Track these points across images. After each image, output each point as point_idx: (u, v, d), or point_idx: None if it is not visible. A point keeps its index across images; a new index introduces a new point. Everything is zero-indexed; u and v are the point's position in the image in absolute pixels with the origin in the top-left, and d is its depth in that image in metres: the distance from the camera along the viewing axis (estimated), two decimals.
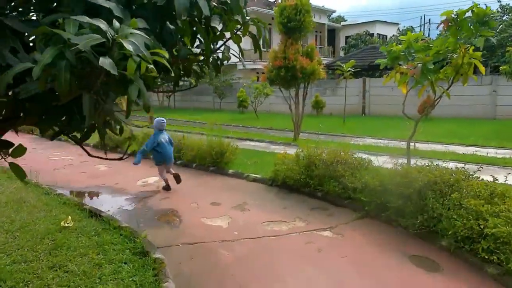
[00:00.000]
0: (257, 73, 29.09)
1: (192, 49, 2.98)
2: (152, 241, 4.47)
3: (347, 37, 38.54)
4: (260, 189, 7.02)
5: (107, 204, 6.24)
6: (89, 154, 2.81)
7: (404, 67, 5.36)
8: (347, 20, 48.01)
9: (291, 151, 7.71)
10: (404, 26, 41.21)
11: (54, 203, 5.98)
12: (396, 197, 4.79)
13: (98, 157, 2.89)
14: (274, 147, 12.20)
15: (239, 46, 3.08)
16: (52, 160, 9.90)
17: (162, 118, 7.01)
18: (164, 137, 6.90)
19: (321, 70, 12.54)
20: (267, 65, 13.21)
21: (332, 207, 5.84)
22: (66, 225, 5.03)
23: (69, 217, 5.20)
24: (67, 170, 8.84)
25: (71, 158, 10.26)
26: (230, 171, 8.04)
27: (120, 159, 2.90)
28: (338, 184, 5.86)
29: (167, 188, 6.96)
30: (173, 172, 6.97)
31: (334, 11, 36.89)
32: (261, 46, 3.06)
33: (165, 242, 4.62)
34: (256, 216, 5.50)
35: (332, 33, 38.18)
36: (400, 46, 5.25)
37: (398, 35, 36.28)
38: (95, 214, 5.46)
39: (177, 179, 6.91)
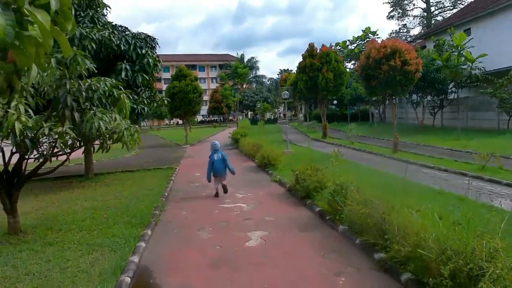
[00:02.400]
0: None
1: None
2: None
3: None
4: None
5: None
6: None
7: None
8: None
9: None
10: None
11: None
12: None
13: None
14: None
15: None
16: (218, 209, 7.42)
17: (216, 142, 8.93)
18: (218, 155, 8.59)
19: None
20: None
21: None
22: None
23: None
24: (210, 234, 5.97)
25: (242, 206, 7.51)
26: None
27: None
28: None
29: (216, 195, 8.54)
30: (224, 183, 8.61)
31: None
32: None
33: None
34: None
35: None
36: None
37: None
38: None
39: (224, 189, 8.61)
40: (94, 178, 11.73)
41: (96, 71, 9.74)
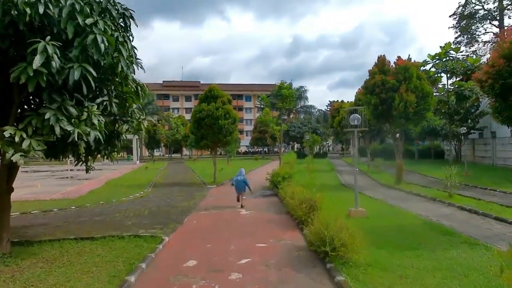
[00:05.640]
0: None
1: None
2: None
3: None
4: None
5: None
6: None
7: None
8: None
9: None
10: None
11: None
12: None
13: None
14: None
15: None
16: None
17: (242, 169, 12.56)
18: (240, 177, 12.00)
19: None
20: None
21: None
22: None
23: None
24: None
25: None
26: None
27: None
28: None
29: (238, 199, 12.06)
30: (243, 199, 12.06)
31: None
32: None
33: None
34: None
35: None
36: None
37: None
38: None
39: (241, 204, 12.02)
40: (7, 257, 6.39)
41: None
